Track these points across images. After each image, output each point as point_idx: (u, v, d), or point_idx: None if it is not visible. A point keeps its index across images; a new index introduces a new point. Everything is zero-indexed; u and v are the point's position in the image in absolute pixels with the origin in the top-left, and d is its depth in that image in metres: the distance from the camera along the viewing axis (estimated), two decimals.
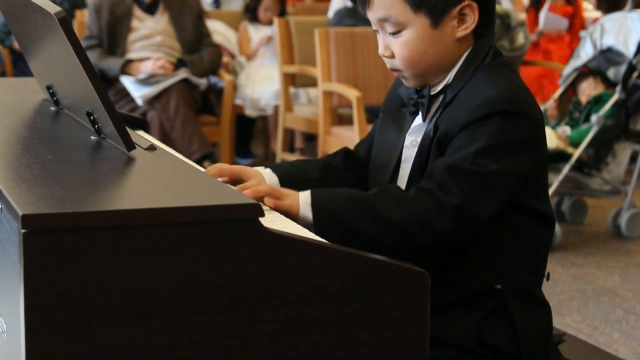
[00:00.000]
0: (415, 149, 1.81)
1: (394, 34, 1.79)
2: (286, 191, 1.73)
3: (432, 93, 1.81)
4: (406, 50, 1.78)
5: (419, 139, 1.81)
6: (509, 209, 1.75)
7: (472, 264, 1.76)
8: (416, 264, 1.47)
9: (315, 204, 1.68)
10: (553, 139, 4.97)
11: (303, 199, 1.70)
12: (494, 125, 1.69)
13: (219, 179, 1.80)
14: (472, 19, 1.77)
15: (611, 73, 5.30)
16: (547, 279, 1.86)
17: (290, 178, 1.89)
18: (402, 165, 1.85)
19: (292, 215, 1.70)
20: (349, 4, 6.64)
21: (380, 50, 1.84)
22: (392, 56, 1.81)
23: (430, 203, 1.65)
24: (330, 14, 7.23)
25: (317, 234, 1.64)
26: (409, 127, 1.86)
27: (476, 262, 1.76)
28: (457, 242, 1.70)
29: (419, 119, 1.84)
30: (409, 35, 1.78)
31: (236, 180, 1.84)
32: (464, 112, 1.72)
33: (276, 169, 1.91)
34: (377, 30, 1.84)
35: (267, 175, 1.89)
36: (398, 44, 1.79)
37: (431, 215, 1.64)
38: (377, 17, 1.80)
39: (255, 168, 1.90)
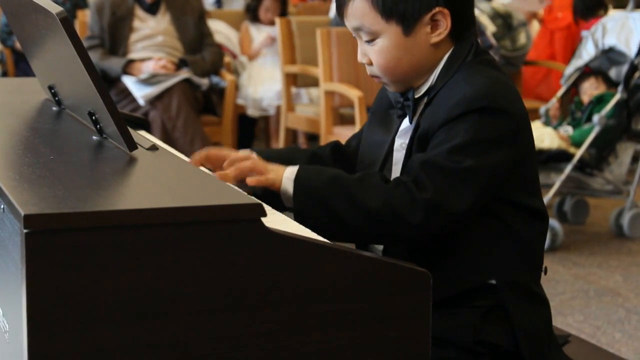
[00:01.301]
0: (404, 152, 1.83)
1: (369, 42, 1.82)
2: (271, 165, 1.75)
3: (416, 96, 1.83)
4: (381, 58, 1.80)
5: (407, 141, 1.82)
6: (499, 204, 1.76)
7: (464, 260, 1.77)
8: (410, 259, 1.48)
9: (298, 179, 1.70)
10: (555, 139, 4.97)
11: (287, 175, 1.72)
12: (471, 122, 1.71)
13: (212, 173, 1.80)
14: (445, 25, 1.79)
15: (613, 73, 5.30)
16: (545, 273, 1.87)
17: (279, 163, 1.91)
18: (393, 168, 1.87)
19: (274, 189, 1.72)
20: None
21: (359, 58, 1.86)
22: (370, 63, 1.83)
23: (404, 196, 1.66)
24: (332, 14, 7.22)
25: (295, 211, 1.68)
26: (397, 129, 1.88)
27: (468, 258, 1.77)
28: (431, 235, 1.71)
29: (406, 122, 1.86)
30: (382, 43, 1.80)
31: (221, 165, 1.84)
32: (443, 110, 1.74)
33: (262, 154, 1.92)
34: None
35: None
36: (374, 52, 1.81)
37: (404, 207, 1.66)
38: (352, 26, 1.84)
39: (241, 151, 1.90)
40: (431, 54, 1.80)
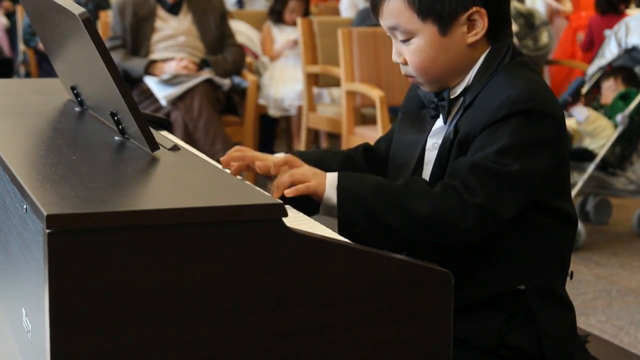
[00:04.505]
0: (437, 152, 1.81)
1: (404, 41, 1.80)
2: (313, 171, 1.73)
3: (452, 96, 1.81)
4: (416, 58, 1.79)
5: (440, 142, 1.81)
6: (532, 208, 1.74)
7: (496, 264, 1.76)
8: (440, 265, 1.47)
9: (340, 187, 1.68)
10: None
11: (329, 182, 1.70)
12: (515, 124, 1.69)
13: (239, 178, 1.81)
14: (481, 25, 1.77)
15: (636, 72, 5.27)
16: (571, 278, 1.86)
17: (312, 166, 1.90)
18: (424, 167, 1.85)
19: (317, 197, 1.70)
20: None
21: (394, 57, 1.85)
22: (405, 63, 1.82)
23: (455, 201, 1.65)
24: (342, 12, 7.22)
25: (339, 218, 1.65)
26: (430, 129, 1.86)
27: (499, 262, 1.76)
28: (479, 240, 1.69)
29: (439, 122, 1.85)
30: (418, 43, 1.78)
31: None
32: (485, 113, 1.72)
33: (299, 156, 1.92)
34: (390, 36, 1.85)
35: None
36: (409, 52, 1.80)
37: (456, 213, 1.64)
38: (387, 25, 1.82)
39: (277, 154, 1.91)
40: (467, 54, 1.79)
